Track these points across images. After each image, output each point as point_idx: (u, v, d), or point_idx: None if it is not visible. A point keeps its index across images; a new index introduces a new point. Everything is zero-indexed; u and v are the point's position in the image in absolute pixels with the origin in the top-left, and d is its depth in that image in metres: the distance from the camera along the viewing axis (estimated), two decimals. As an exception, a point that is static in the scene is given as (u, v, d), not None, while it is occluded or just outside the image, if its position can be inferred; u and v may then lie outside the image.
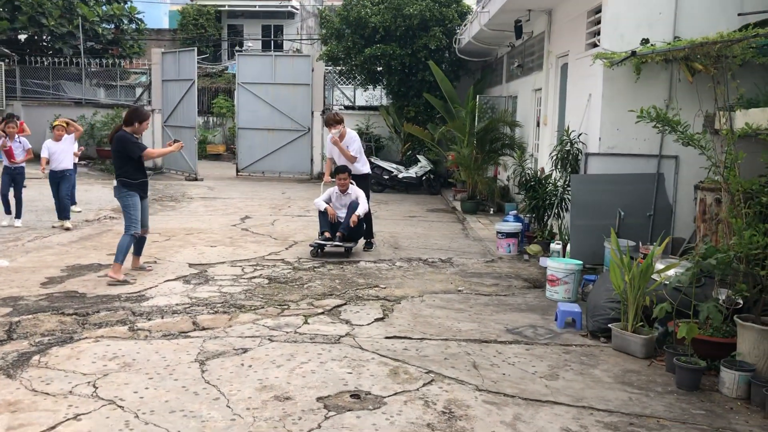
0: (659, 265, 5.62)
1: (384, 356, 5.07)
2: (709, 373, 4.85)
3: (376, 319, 5.98)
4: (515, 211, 10.19)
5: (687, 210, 8.28)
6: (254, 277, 7.39)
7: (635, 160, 8.36)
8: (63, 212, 10.28)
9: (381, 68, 17.10)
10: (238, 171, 19.55)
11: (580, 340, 5.70)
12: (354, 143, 9.40)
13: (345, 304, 6.45)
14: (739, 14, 7.52)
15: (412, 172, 16.91)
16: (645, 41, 8.07)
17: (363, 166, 9.56)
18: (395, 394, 4.38)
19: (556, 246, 8.70)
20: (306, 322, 5.82)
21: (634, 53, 7.21)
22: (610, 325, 5.59)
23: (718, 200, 7.06)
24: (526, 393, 4.51)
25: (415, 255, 8.93)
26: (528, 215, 9.83)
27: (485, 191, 13.50)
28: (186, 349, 5.07)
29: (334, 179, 9.11)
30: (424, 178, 16.85)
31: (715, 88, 5.86)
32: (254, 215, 12.10)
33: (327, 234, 8.74)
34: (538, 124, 12.33)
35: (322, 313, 6.13)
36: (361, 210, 8.81)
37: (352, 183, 9.13)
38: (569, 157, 9.03)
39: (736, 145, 5.88)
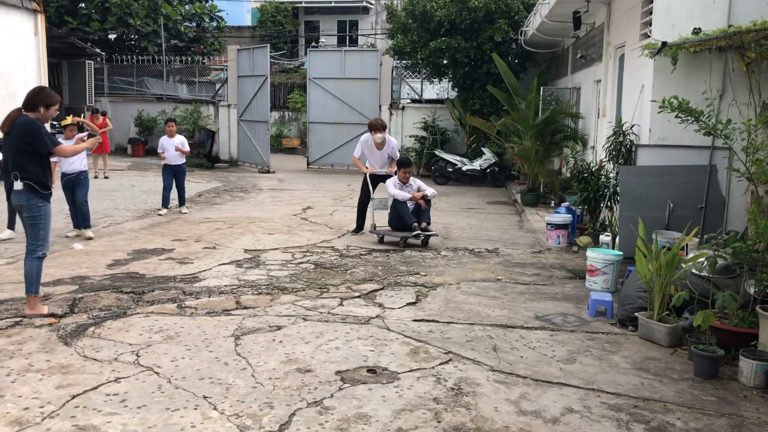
0: (691, 254, 5.60)
1: (408, 337, 5.32)
2: (730, 363, 4.85)
3: (408, 303, 6.23)
4: (567, 203, 10.19)
5: (741, 202, 8.08)
6: (302, 263, 7.77)
7: (687, 152, 8.23)
8: (84, 220, 9.06)
9: (446, 61, 17.23)
10: (308, 164, 20.15)
11: (608, 328, 5.76)
12: (395, 150, 9.97)
13: (382, 288, 6.72)
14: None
15: (477, 164, 16.99)
16: (697, 30, 7.93)
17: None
18: (410, 371, 4.62)
19: (605, 238, 8.67)
20: (341, 304, 6.14)
21: (665, 44, 7.13)
22: (636, 314, 5.63)
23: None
24: (538, 375, 4.65)
25: (463, 245, 9.10)
26: (580, 207, 9.80)
27: (548, 183, 13.46)
28: (225, 325, 5.47)
29: (384, 174, 9.73)
30: (488, 170, 16.91)
31: (751, 77, 5.75)
32: (316, 206, 12.54)
33: (416, 224, 8.94)
34: (599, 116, 12.21)
35: (359, 296, 6.42)
36: (430, 192, 9.30)
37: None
38: (622, 149, 8.97)
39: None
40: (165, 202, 11.30)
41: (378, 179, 9.85)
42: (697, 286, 5.42)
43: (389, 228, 9.31)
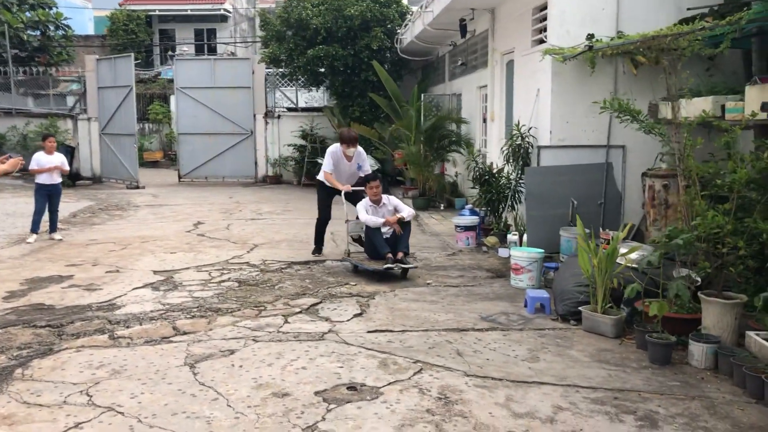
0: (622, 249, 5.91)
1: (370, 349, 5.18)
2: (676, 348, 5.15)
3: (355, 315, 6.08)
4: (470, 205, 10.46)
5: (635, 197, 8.68)
6: (223, 281, 7.37)
7: (585, 151, 8.72)
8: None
9: (324, 69, 17.14)
10: (180, 177, 19.25)
11: (551, 324, 5.94)
12: (366, 162, 8.92)
13: (320, 302, 6.52)
14: (688, 8, 7.93)
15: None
16: (590, 36, 8.42)
17: None
18: (389, 384, 4.50)
19: (513, 237, 8.99)
20: (286, 322, 5.87)
21: (591, 47, 7.53)
22: (580, 308, 5.85)
23: (666, 186, 7.47)
24: (512, 375, 4.70)
25: (377, 252, 9.05)
26: (483, 208, 10.09)
27: (435, 188, 13.74)
28: (172, 353, 5.05)
29: (361, 189, 8.30)
30: (371, 177, 16.97)
31: (667, 79, 6.20)
32: (206, 221, 11.98)
33: (390, 255, 7.51)
34: (484, 121, 12.65)
35: (300, 312, 6.18)
36: (408, 213, 7.90)
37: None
38: (520, 151, 9.33)
39: (681, 132, 6.23)
40: (35, 227, 10.10)
41: (353, 197, 8.53)
42: (637, 278, 5.72)
43: (366, 257, 7.98)
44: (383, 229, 7.78)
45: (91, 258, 8.63)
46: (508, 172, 9.68)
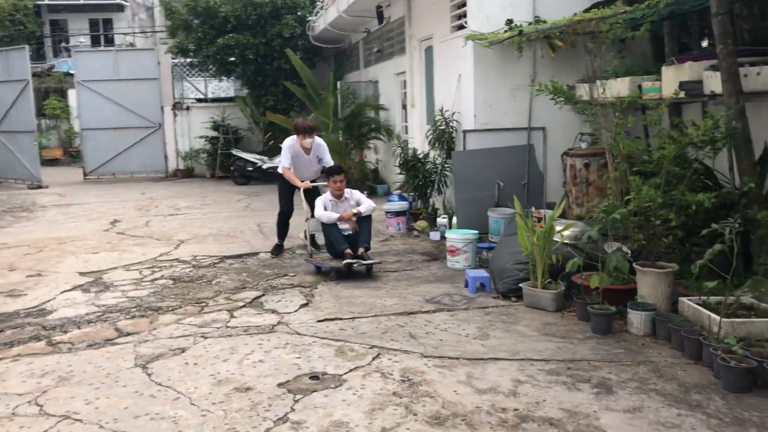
0: (558, 227, 6.14)
1: (324, 338, 5.17)
2: (616, 317, 5.40)
3: (302, 305, 6.04)
4: (398, 191, 10.56)
5: (556, 176, 9.01)
6: (156, 279, 7.13)
7: (508, 134, 8.97)
8: None
9: (235, 58, 16.78)
10: (85, 174, 18.41)
11: (494, 301, 6.12)
12: (327, 154, 8.21)
13: (263, 295, 6.43)
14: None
15: (277, 161, 16.77)
16: (509, 22, 8.67)
17: None
18: (350, 371, 4.51)
19: (442, 220, 9.17)
20: (233, 316, 5.76)
21: (521, 32, 7.72)
22: (520, 285, 6.05)
23: (587, 165, 7.80)
24: (467, 354, 4.81)
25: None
26: (411, 194, 10.21)
27: (357, 175, 13.76)
28: (120, 355, 4.86)
29: (323, 184, 7.83)
30: (289, 167, 16.78)
31: (592, 61, 6.46)
32: (123, 218, 11.53)
33: (349, 251, 7.03)
34: (404, 107, 12.77)
35: (244, 306, 6.08)
36: (366, 207, 7.38)
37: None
38: (445, 136, 9.50)
39: (608, 112, 6.53)
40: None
41: (314, 193, 7.93)
42: (571, 253, 5.97)
43: (328, 256, 7.45)
44: (343, 225, 7.32)
45: (5, 263, 8.14)
46: (434, 157, 9.83)
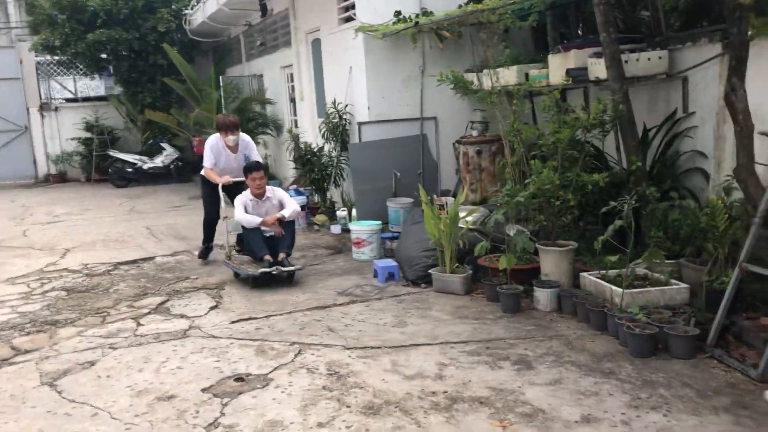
0: (462, 213, 6.31)
1: (241, 339, 5.06)
2: (523, 296, 5.63)
3: (211, 308, 5.88)
4: (294, 186, 10.46)
5: (449, 165, 9.25)
6: (47, 291, 6.68)
7: (402, 124, 9.10)
8: None
9: (107, 55, 15.93)
10: (-57, 184, 16.90)
11: (405, 289, 6.21)
12: (254, 152, 7.51)
13: (168, 300, 6.19)
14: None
15: (158, 161, 16.17)
16: (398, 13, 8.79)
17: None
18: (275, 369, 4.45)
19: (342, 213, 9.18)
20: (140, 324, 5.51)
21: (417, 24, 7.82)
22: (430, 271, 6.18)
23: (479, 152, 8.07)
24: (388, 342, 4.87)
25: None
26: (307, 188, 10.14)
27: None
28: (22, 375, 4.53)
29: (242, 181, 7.04)
30: (172, 166, 16.20)
31: (486, 51, 6.68)
32: (-6, 229, 10.69)
33: (269, 257, 6.54)
34: (293, 101, 12.64)
35: (150, 312, 5.83)
36: (290, 210, 6.79)
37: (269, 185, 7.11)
38: (339, 128, 9.51)
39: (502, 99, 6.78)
40: None
41: (236, 191, 7.13)
42: (474, 238, 6.17)
43: (249, 259, 6.95)
44: (264, 228, 6.75)
45: None
46: (329, 150, 9.81)
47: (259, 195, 6.84)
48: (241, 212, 6.72)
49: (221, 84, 13.97)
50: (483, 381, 4.13)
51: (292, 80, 12.33)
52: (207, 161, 7.33)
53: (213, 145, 7.33)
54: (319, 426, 3.64)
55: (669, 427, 3.43)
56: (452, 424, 3.59)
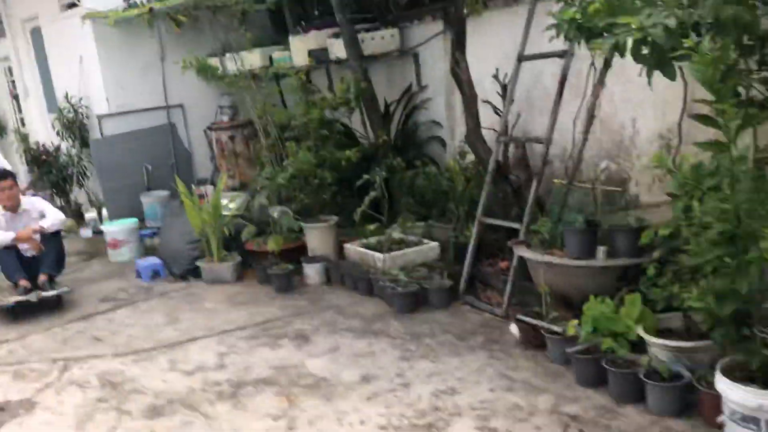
0: (224, 200, 6.25)
1: (-8, 366, 4.57)
2: (294, 274, 5.74)
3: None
4: (31, 191, 9.49)
5: (201, 152, 9.04)
6: None
7: (147, 115, 8.66)
8: None
9: None
10: None
11: (173, 286, 6.04)
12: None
13: None
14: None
15: None
16: (131, -1, 8.33)
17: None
18: (39, 391, 4.11)
19: (91, 215, 8.58)
20: None
21: (152, 10, 7.45)
22: (197, 263, 6.07)
23: (232, 137, 8.05)
24: (163, 342, 4.73)
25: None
26: (46, 192, 9.27)
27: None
28: None
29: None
30: None
31: (226, 35, 6.62)
32: None
33: (25, 282, 5.58)
34: (15, 97, 11.40)
35: None
36: (51, 219, 5.87)
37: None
38: (75, 124, 8.82)
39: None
40: None
41: None
42: (239, 225, 6.17)
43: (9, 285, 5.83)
44: (23, 246, 5.78)
45: None
46: (67, 149, 9.05)
47: (12, 208, 5.87)
48: None
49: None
50: (265, 362, 4.20)
51: (11, 74, 11.11)
52: None
53: None
54: (99, 438, 3.46)
55: (437, 371, 3.81)
56: (240, 409, 3.63)
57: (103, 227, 7.38)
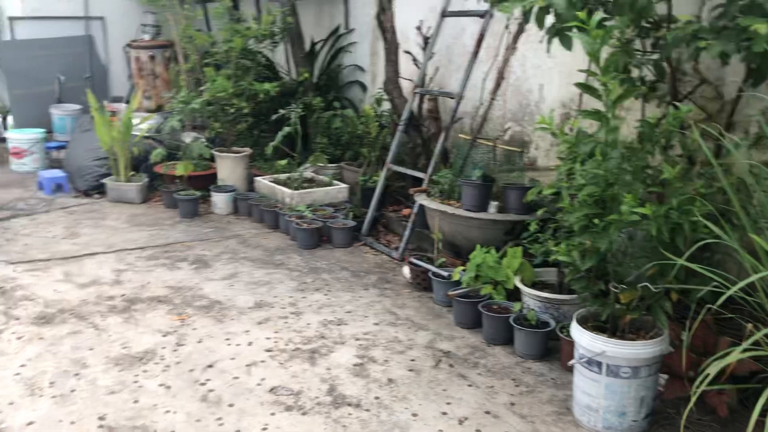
0: (135, 120, 6.15)
1: None
2: (201, 201, 5.78)
3: None
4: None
5: (119, 70, 8.81)
6: None
7: (65, 23, 8.36)
8: None
9: None
10: None
11: (76, 201, 5.96)
12: None
13: None
14: None
15: None
16: None
17: None
18: (-76, 290, 4.04)
19: (-7, 122, 8.22)
20: None
21: None
22: (103, 181, 5.99)
23: (152, 57, 7.86)
24: (59, 254, 4.70)
25: None
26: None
27: None
28: None
29: None
30: None
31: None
32: None
33: None
34: None
35: None
36: None
37: None
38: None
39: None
40: None
41: None
42: (150, 147, 6.11)
43: None
44: None
45: None
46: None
47: None
48: None
49: None
50: (161, 282, 4.27)
51: None
52: None
53: None
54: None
55: (328, 303, 3.99)
56: (131, 323, 3.70)
57: (6, 134, 7.13)
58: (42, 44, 8.09)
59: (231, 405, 2.93)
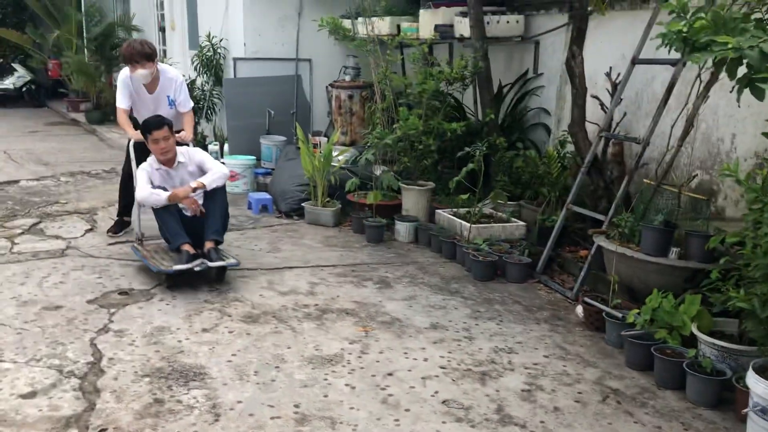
0: (334, 152, 6.79)
1: (120, 259, 5.32)
2: (386, 229, 6.24)
3: (87, 231, 6.03)
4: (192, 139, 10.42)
5: (321, 107, 9.64)
6: None
7: (277, 64, 9.34)
8: None
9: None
10: None
11: (278, 221, 6.66)
12: (183, 93, 5.64)
13: (40, 221, 6.26)
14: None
15: (9, 83, 15.26)
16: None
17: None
18: (156, 286, 4.78)
19: (214, 147, 9.34)
20: (14, 243, 5.59)
21: None
22: (302, 204, 6.66)
23: (351, 97, 8.55)
24: (264, 265, 5.33)
25: (71, 169, 8.65)
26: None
27: (110, 99, 13.14)
28: None
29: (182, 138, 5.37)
30: (24, 89, 15.34)
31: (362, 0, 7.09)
32: None
33: (189, 248, 4.79)
34: (162, 30, 12.39)
35: (23, 233, 5.90)
36: (213, 175, 4.99)
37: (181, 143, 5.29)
38: (213, 62, 9.60)
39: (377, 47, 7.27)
40: None
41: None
42: (344, 176, 6.70)
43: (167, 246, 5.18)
44: (180, 205, 4.99)
45: None
46: (201, 84, 9.87)
47: (168, 162, 5.03)
48: (144, 186, 4.91)
49: (82, 4, 13.37)
50: (349, 296, 4.71)
51: (162, 8, 12.08)
52: (120, 101, 5.50)
53: (123, 81, 5.46)
54: (204, 331, 4.07)
55: (500, 332, 4.19)
56: (322, 329, 4.15)
57: (223, 160, 8.10)
58: (257, 82, 9.13)
59: (407, 410, 3.23)
